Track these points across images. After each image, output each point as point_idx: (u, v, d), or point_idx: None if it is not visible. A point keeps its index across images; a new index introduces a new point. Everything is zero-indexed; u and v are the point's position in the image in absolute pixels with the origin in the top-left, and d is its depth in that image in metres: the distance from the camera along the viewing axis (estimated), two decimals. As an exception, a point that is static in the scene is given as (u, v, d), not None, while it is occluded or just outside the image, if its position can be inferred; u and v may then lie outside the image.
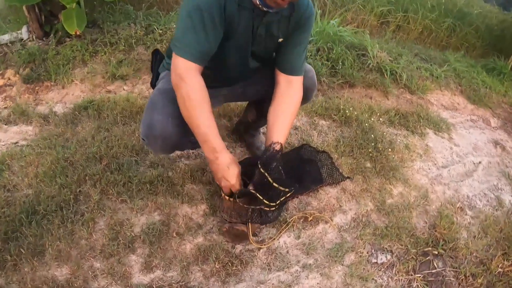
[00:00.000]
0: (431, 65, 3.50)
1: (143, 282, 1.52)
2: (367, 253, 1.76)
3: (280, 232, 1.75)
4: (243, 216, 1.60)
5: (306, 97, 1.74)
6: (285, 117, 1.60)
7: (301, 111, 2.54)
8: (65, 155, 2.00)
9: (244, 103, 2.21)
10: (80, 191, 1.82)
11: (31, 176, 1.89)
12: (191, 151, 2.11)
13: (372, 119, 2.61)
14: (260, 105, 1.91)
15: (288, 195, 1.61)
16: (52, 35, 3.07)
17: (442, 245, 1.86)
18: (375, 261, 1.75)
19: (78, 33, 2.86)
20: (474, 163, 2.54)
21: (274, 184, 1.52)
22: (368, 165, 2.21)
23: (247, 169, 1.58)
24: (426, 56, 3.73)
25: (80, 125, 2.27)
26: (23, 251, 1.55)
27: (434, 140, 2.65)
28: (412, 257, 1.79)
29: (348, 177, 2.07)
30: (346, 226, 1.87)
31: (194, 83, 1.39)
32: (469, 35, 4.71)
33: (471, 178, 2.40)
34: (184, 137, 1.53)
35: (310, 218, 1.82)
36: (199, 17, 1.34)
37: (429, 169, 2.37)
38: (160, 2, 3.66)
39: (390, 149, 2.34)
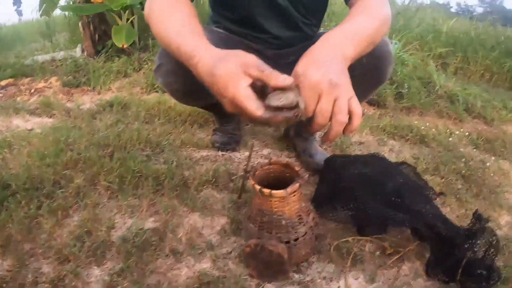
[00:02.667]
0: (502, 100, 2.65)
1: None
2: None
3: (345, 269, 0.93)
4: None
5: (381, 71, 1.01)
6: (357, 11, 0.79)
7: (364, 127, 1.77)
8: (69, 139, 1.40)
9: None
10: (65, 173, 1.16)
11: (24, 155, 1.31)
12: (220, 153, 1.40)
13: (453, 138, 1.78)
14: None
15: None
16: (103, 53, 2.70)
17: None
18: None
19: (125, 46, 2.44)
20: None
21: None
22: (461, 186, 1.35)
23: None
24: (494, 91, 2.89)
25: (99, 118, 1.68)
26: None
27: (527, 169, 1.74)
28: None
29: (441, 193, 1.22)
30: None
31: None
32: (535, 76, 3.78)
33: None
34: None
35: (389, 251, 0.98)
36: None
37: (531, 198, 1.47)
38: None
39: (487, 166, 1.50)
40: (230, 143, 1.42)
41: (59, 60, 2.77)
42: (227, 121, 1.43)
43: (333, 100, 0.57)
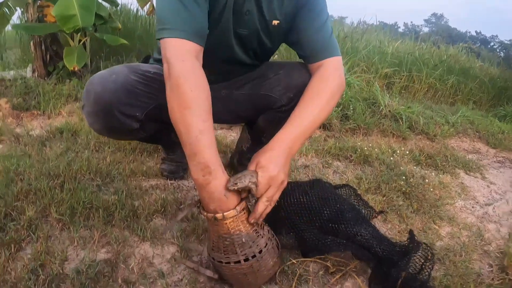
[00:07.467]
0: (443, 115, 2.90)
1: None
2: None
3: None
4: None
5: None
6: (307, 101, 0.95)
7: (310, 150, 1.88)
8: (18, 169, 1.37)
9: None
10: (16, 205, 1.14)
11: (-28, 186, 1.25)
12: (168, 181, 1.43)
13: (396, 156, 1.93)
14: (255, 127, 1.29)
15: None
16: (54, 74, 2.64)
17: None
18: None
19: (76, 68, 2.40)
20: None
21: None
22: (402, 202, 1.48)
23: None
24: (437, 108, 3.16)
25: (48, 145, 1.65)
26: None
27: (468, 180, 1.93)
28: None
29: (382, 211, 1.34)
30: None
31: (187, 66, 0.83)
32: (475, 90, 4.18)
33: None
34: (124, 104, 1.02)
35: (332, 270, 1.05)
36: None
37: (472, 207, 1.63)
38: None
39: (427, 182, 1.65)
40: (178, 172, 1.46)
41: (9, 80, 2.66)
42: (172, 151, 1.46)
43: (276, 192, 0.86)
